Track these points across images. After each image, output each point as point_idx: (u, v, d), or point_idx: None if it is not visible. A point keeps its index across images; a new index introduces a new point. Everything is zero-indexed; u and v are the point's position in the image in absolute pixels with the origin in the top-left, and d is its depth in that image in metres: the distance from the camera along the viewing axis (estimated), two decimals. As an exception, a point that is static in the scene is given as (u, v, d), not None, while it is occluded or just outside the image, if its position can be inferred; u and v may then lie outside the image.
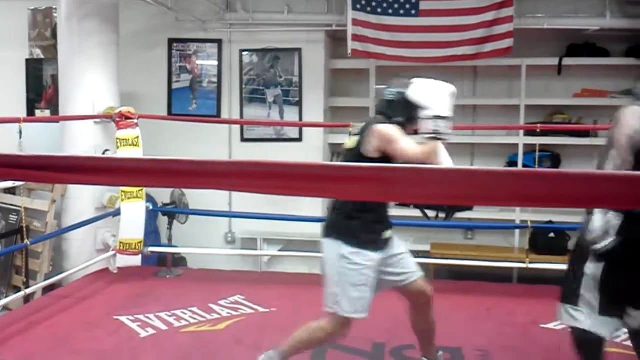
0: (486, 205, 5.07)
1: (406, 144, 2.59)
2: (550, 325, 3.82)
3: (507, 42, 5.20)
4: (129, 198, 4.58)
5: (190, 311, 4.02)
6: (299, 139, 5.79)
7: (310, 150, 5.70)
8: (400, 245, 2.82)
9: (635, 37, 5.53)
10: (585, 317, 2.44)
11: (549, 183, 0.95)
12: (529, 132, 5.50)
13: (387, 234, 2.76)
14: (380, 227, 2.72)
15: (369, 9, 5.32)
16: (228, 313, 4.02)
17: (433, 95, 2.61)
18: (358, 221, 2.67)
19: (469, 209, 5.87)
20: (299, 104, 5.77)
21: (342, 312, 2.64)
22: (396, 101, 2.72)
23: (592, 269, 2.43)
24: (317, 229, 5.61)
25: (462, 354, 3.41)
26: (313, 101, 5.76)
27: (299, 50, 5.79)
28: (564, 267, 2.98)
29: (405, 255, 2.82)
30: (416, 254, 5.38)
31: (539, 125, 4.93)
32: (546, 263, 4.70)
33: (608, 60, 5.69)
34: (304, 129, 5.79)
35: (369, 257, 2.66)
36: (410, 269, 2.81)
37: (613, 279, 2.40)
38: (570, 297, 2.49)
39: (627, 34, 5.51)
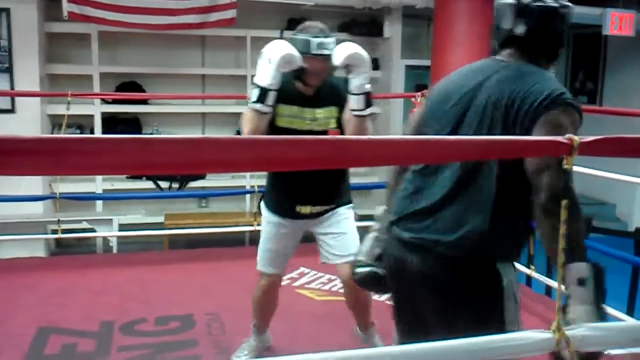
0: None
1: (245, 117, 2.52)
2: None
3: (231, 13, 5.31)
4: None
5: None
6: (12, 110, 5.20)
7: (26, 122, 5.14)
8: (338, 226, 2.76)
9: (345, 13, 6.08)
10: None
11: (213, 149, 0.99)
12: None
13: (304, 209, 2.70)
14: (291, 201, 2.70)
15: (83, -32, 4.95)
16: None
17: (262, 61, 2.41)
18: (274, 190, 2.78)
19: (202, 177, 5.94)
20: (9, 70, 5.16)
21: (257, 265, 2.85)
22: None
23: None
24: (37, 208, 5.17)
25: (194, 320, 3.48)
26: (26, 68, 5.19)
27: (7, 10, 5.16)
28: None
29: (336, 236, 2.75)
30: (149, 226, 5.41)
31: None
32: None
33: (323, 34, 6.16)
34: (17, 99, 5.20)
35: (278, 220, 2.75)
36: (335, 252, 2.75)
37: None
38: None
39: (339, 10, 6.04)
